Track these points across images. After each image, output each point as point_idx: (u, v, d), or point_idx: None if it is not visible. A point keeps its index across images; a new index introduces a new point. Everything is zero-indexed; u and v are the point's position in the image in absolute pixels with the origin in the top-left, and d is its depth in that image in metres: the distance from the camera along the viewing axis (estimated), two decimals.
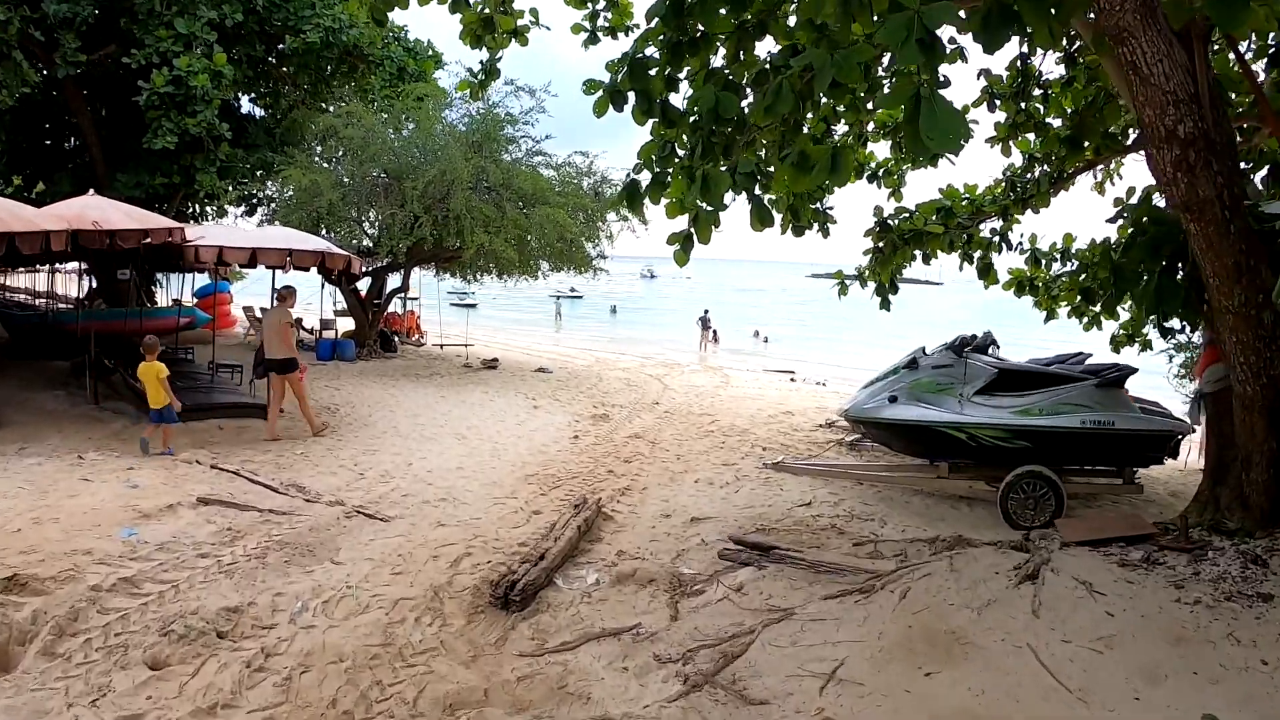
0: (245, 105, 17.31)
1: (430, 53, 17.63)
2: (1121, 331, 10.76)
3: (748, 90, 5.65)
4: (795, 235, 9.45)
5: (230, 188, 14.42)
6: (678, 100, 5.90)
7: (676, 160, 5.71)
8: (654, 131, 5.82)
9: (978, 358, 8.51)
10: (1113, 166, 9.67)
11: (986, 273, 10.21)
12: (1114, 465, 8.02)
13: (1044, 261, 10.41)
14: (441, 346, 21.28)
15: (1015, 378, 8.16)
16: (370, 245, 16.58)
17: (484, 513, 7.48)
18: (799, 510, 7.95)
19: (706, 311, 35.56)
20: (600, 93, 5.71)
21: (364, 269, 19.52)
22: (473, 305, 52.93)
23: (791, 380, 22.70)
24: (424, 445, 10.05)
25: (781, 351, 35.90)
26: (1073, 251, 10.10)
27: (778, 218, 7.80)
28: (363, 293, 19.27)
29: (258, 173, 15.64)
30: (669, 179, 5.49)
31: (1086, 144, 8.62)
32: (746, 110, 5.48)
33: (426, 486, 8.21)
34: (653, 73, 5.67)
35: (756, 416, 13.84)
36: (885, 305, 10.24)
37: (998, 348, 9.36)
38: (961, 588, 5.01)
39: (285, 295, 10.42)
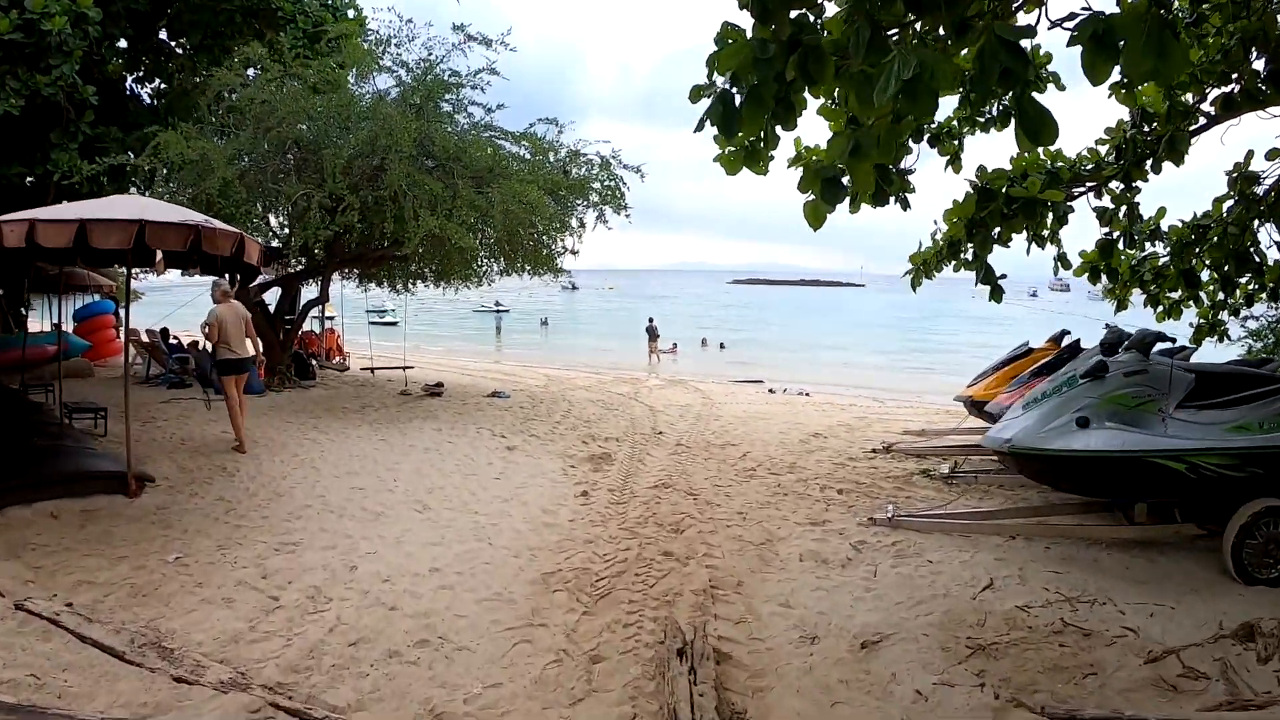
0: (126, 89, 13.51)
1: (354, 11, 14.00)
2: (1202, 320, 9.52)
3: None
4: (875, 205, 6.67)
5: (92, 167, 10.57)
6: None
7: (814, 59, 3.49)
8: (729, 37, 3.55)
9: (1163, 360, 6.70)
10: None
11: (1065, 261, 8.36)
12: None
13: (1136, 241, 8.65)
14: (373, 371, 17.50)
15: (1212, 383, 6.50)
16: (279, 244, 12.91)
17: (503, 671, 4.22)
18: (992, 600, 5.33)
19: (652, 320, 32.58)
20: None
21: (275, 271, 15.79)
22: (393, 323, 48.63)
23: (771, 391, 20.26)
24: (371, 527, 6.64)
25: (737, 359, 33.27)
26: (1164, 229, 8.54)
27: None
28: (271, 306, 15.52)
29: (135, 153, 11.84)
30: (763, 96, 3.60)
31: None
32: None
33: (388, 616, 4.88)
34: None
35: (785, 442, 11.07)
36: (996, 295, 7.84)
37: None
38: None
39: (228, 289, 9.58)
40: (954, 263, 8.63)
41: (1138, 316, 9.24)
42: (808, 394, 19.85)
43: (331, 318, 33.73)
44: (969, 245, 8.07)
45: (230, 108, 11.99)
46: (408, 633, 4.64)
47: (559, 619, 4.91)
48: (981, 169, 7.61)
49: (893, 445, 10.62)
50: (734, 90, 3.69)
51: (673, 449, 10.31)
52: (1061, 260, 8.33)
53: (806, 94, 3.89)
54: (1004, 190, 7.42)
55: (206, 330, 9.68)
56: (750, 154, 4.76)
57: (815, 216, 4.55)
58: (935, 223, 8.59)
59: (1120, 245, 8.56)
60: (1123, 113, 7.76)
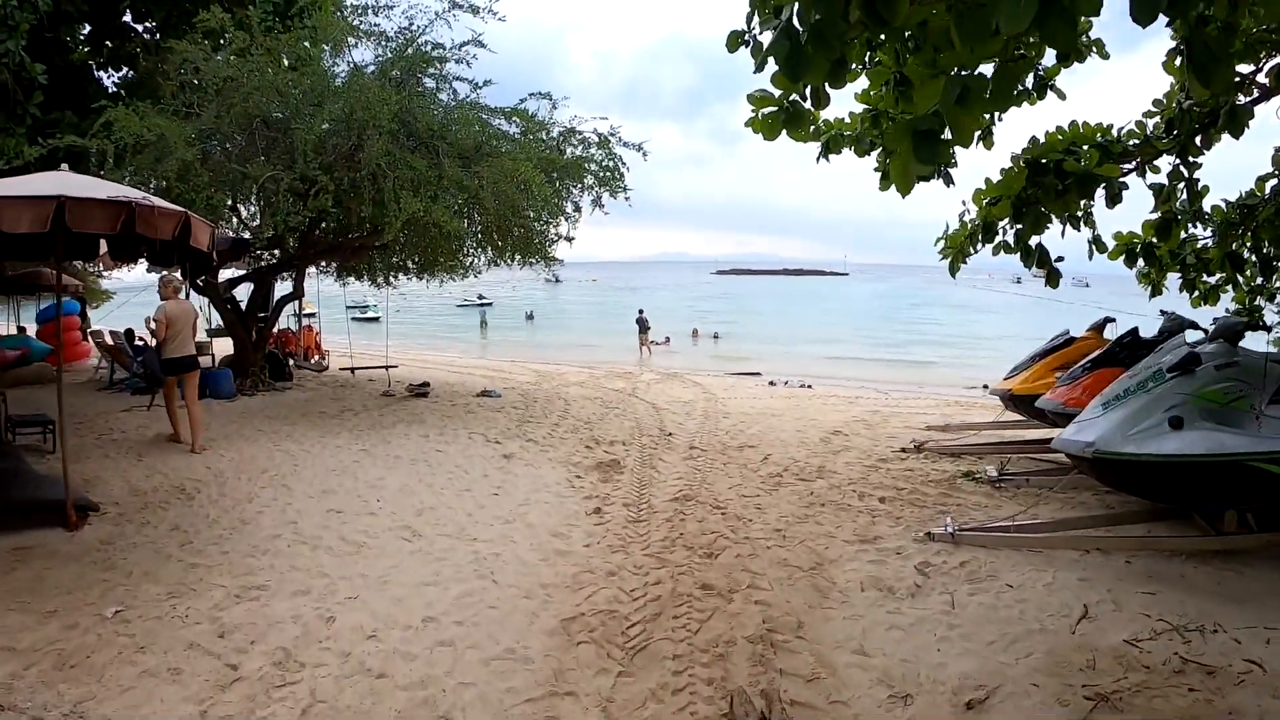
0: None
1: None
2: (1238, 306, 8.84)
3: None
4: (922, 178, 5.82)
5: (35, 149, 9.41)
6: None
7: None
8: None
9: (1253, 352, 6.10)
10: None
11: (1100, 244, 7.44)
12: None
13: (1179, 221, 7.98)
14: (353, 371, 16.36)
15: None
16: (248, 234, 11.78)
17: None
18: (1094, 633, 4.57)
19: (642, 312, 31.60)
20: None
21: (247, 265, 14.66)
22: (375, 319, 47.25)
23: (771, 384, 19.38)
24: (351, 563, 5.62)
25: (731, 350, 32.38)
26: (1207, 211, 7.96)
27: None
28: (247, 304, 14.40)
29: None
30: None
31: None
32: None
33: (375, 689, 3.88)
34: None
35: (805, 442, 10.20)
36: (1054, 279, 7.00)
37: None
38: None
39: (178, 285, 9.25)
40: (989, 245, 7.80)
41: (1164, 303, 8.58)
42: (810, 386, 19.08)
43: (312, 314, 32.55)
44: (1014, 225, 7.24)
45: (192, 86, 10.83)
46: (400, 713, 3.65)
47: (589, 684, 3.93)
48: (1034, 140, 6.77)
49: (924, 444, 9.76)
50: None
51: (686, 453, 9.34)
52: (1096, 243, 7.52)
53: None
54: (1053, 165, 6.64)
55: (154, 327, 9.12)
56: (792, 117, 4.21)
57: (904, 178, 3.68)
58: (964, 204, 7.76)
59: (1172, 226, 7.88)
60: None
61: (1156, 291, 8.66)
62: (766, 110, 4.28)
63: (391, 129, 9.39)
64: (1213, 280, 8.73)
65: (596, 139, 11.55)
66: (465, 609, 4.79)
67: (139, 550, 5.80)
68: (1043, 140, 6.78)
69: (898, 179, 3.82)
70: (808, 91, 3.83)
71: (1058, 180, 6.61)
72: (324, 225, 11.27)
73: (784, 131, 4.42)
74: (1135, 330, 8.37)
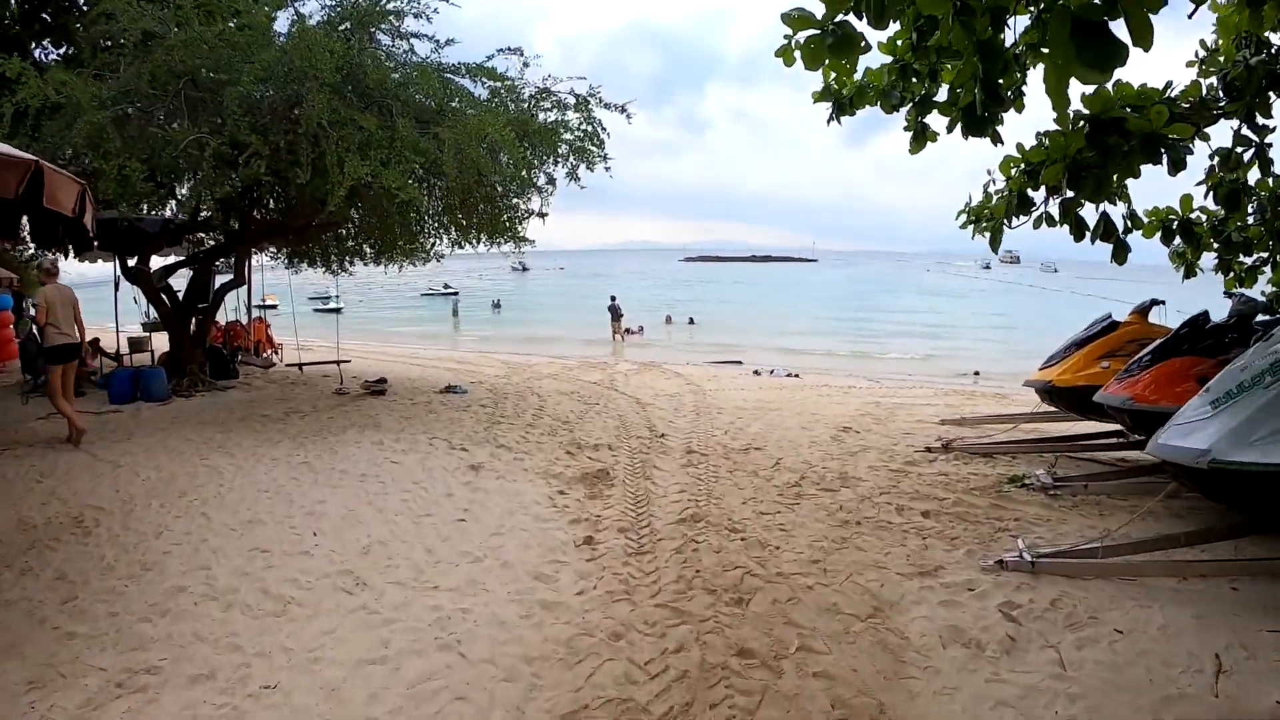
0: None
1: None
2: (1275, 288, 8.02)
3: None
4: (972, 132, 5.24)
5: None
6: None
7: None
8: None
9: None
10: None
11: (1136, 220, 6.48)
12: None
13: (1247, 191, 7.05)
14: (301, 368, 14.81)
15: None
16: (180, 214, 10.24)
17: None
18: (1238, 694, 3.66)
19: (614, 299, 30.27)
20: None
21: (187, 249, 13.12)
22: (338, 310, 45.41)
23: (756, 374, 18.29)
24: (273, 630, 4.27)
25: (707, 336, 31.19)
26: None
27: None
28: (184, 293, 12.85)
29: None
30: None
31: None
32: None
33: None
34: None
35: (815, 441, 9.16)
36: (1121, 254, 6.15)
37: None
38: None
39: (54, 270, 8.88)
40: (1023, 218, 6.79)
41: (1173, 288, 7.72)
42: (797, 376, 17.97)
43: (274, 306, 30.73)
44: (1060, 194, 6.18)
45: (117, 45, 9.27)
46: None
47: None
48: (1103, 92, 5.61)
49: (951, 443, 8.64)
50: None
51: (684, 458, 8.07)
52: (1132, 218, 6.40)
53: None
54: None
55: (34, 313, 8.54)
56: (841, 43, 3.74)
57: (1059, 94, 2.90)
58: (990, 173, 6.76)
59: (1209, 201, 6.91)
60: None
61: (1190, 273, 7.96)
62: (807, 34, 3.74)
63: (335, 81, 7.89)
64: (1249, 261, 7.96)
65: (574, 100, 10.14)
66: (424, 702, 3.48)
67: (10, 611, 4.46)
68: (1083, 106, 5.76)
69: (1053, 94, 2.71)
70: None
71: (1123, 140, 5.52)
72: (263, 201, 9.77)
73: (826, 60, 3.90)
74: (1205, 314, 7.26)
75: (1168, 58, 5.85)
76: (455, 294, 47.20)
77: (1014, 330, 34.40)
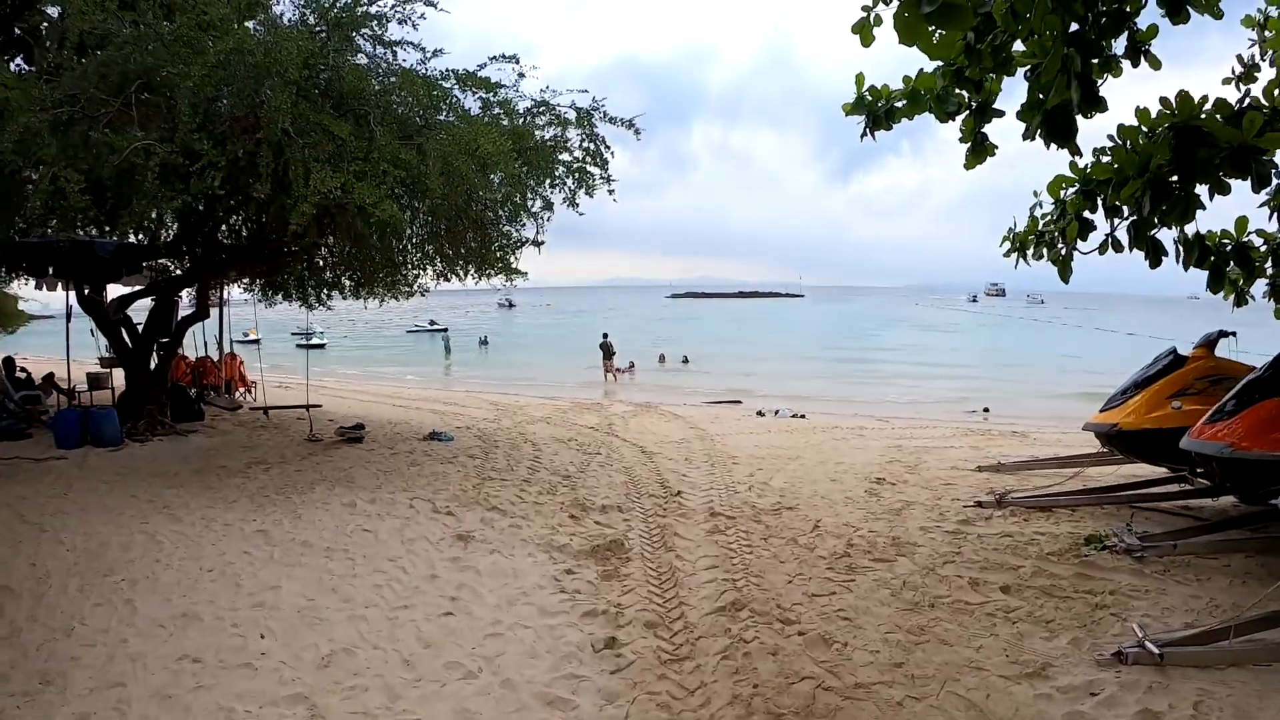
0: None
1: None
2: None
3: None
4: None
5: None
6: None
7: None
8: None
9: None
10: None
11: (1189, 245, 5.54)
12: None
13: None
14: (266, 412, 13.40)
15: None
16: (120, 234, 9.09)
17: None
18: None
19: (606, 336, 29.17)
20: None
21: (151, 275, 11.98)
22: (320, 345, 44.16)
23: (760, 415, 17.20)
24: None
25: (702, 375, 30.10)
26: None
27: None
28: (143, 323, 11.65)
29: None
30: None
31: None
32: None
33: None
34: None
35: (850, 497, 8.20)
36: (1217, 282, 5.86)
37: None
38: None
39: None
40: (1078, 243, 5.95)
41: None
42: (803, 416, 16.86)
43: (255, 341, 29.43)
44: (1131, 215, 5.26)
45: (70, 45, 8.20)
46: None
47: None
48: (1184, 97, 4.52)
49: (1004, 496, 7.62)
50: None
51: (708, 522, 6.92)
52: (1184, 243, 5.52)
53: None
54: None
55: None
56: (945, 11, 3.02)
57: None
58: (1036, 194, 6.09)
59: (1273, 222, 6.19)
60: None
61: (1241, 301, 7.05)
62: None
63: (300, 79, 6.75)
64: None
65: (575, 115, 9.10)
66: None
67: None
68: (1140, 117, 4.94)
69: None
70: None
71: (1214, 152, 4.62)
72: (226, 223, 8.61)
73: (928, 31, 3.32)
74: None
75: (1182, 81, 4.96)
76: (444, 330, 45.89)
77: (1015, 365, 33.51)
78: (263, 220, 8.07)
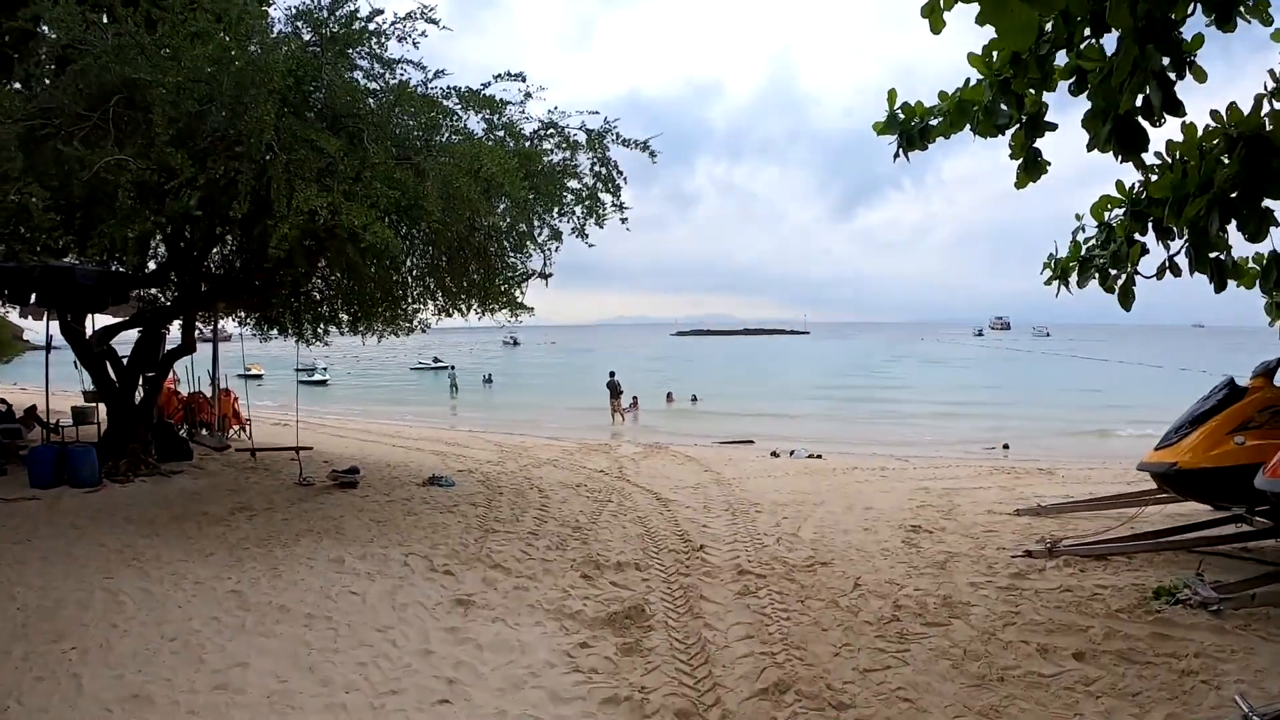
0: None
1: None
2: None
3: None
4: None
5: None
6: None
7: None
8: None
9: None
10: None
11: (1231, 270, 4.86)
12: None
13: None
14: (253, 454, 12.45)
15: None
16: (94, 260, 8.49)
17: None
18: None
19: (613, 375, 28.49)
20: None
21: (137, 305, 11.42)
22: (323, 382, 43.56)
23: (774, 455, 16.45)
24: None
25: (712, 414, 29.38)
26: None
27: None
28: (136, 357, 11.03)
29: None
30: None
31: None
32: None
33: None
34: None
35: (887, 549, 7.51)
36: None
37: None
38: None
39: None
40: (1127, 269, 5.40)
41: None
42: (819, 456, 16.13)
43: (258, 376, 28.77)
44: (1193, 234, 4.67)
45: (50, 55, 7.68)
46: None
47: None
48: (1235, 109, 4.12)
49: (1056, 544, 6.99)
50: None
51: (736, 581, 6.21)
52: (1224, 268, 4.92)
53: None
54: None
55: None
56: None
57: None
58: (1079, 218, 5.70)
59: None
60: None
61: None
62: None
63: (286, 87, 6.16)
64: None
65: (586, 137, 8.52)
66: None
67: None
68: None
69: None
70: None
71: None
72: (214, 248, 7.97)
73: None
74: None
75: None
76: (452, 368, 45.26)
77: (1030, 400, 32.74)
78: (249, 245, 7.45)
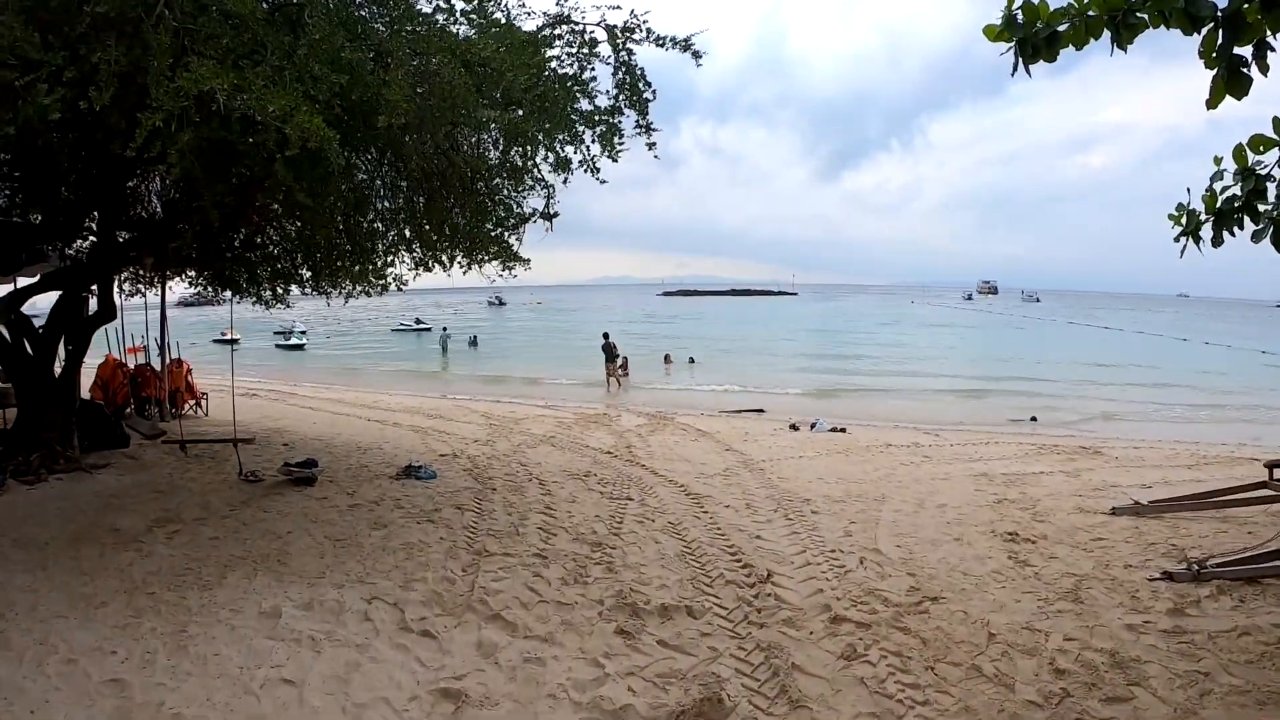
0: None
1: None
2: None
3: None
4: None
5: None
6: None
7: None
8: None
9: None
10: None
11: None
12: None
13: None
14: (183, 447, 9.95)
15: None
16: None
17: None
18: None
19: (608, 336, 26.61)
20: None
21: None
22: (299, 346, 41.34)
23: (794, 428, 14.86)
24: None
25: (713, 377, 27.65)
26: None
27: None
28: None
29: None
30: None
31: None
32: None
33: None
34: None
35: (1000, 573, 5.89)
36: None
37: None
38: None
39: None
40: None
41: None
42: (844, 430, 14.44)
43: (235, 341, 26.99)
44: None
45: None
46: None
47: None
48: None
49: (1203, 564, 5.55)
50: None
51: (831, 635, 4.45)
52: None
53: None
54: None
55: None
56: None
57: None
58: (1218, 161, 4.42)
59: None
60: None
61: None
62: None
63: None
64: None
65: (606, 33, 6.47)
66: None
67: None
68: None
69: None
70: None
71: None
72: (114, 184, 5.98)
73: None
74: None
75: None
76: (445, 330, 42.96)
77: (1040, 368, 31.24)
78: (109, 150, 5.35)
